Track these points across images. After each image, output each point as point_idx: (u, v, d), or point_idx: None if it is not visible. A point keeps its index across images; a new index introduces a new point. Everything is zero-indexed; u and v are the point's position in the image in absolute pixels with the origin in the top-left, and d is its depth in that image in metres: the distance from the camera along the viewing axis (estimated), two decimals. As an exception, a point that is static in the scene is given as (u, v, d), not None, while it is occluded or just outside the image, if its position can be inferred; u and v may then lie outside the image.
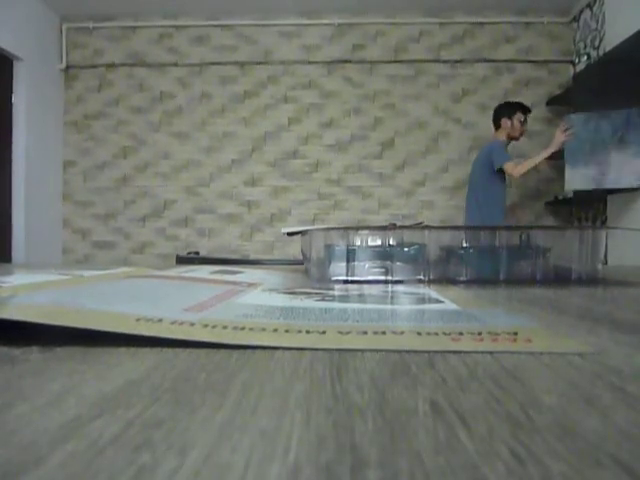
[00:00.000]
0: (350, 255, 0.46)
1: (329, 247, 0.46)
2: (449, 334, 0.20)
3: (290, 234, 0.60)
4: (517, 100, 2.48)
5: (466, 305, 0.29)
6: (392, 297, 0.33)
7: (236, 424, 0.11)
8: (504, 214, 2.33)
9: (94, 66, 3.05)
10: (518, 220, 2.81)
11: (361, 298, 0.32)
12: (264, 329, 0.21)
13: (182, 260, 1.32)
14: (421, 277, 0.46)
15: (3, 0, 2.53)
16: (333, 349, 0.18)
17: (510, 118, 2.31)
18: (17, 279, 0.38)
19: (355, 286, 0.41)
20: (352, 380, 0.14)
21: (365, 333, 0.20)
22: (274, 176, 2.99)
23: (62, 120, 3.05)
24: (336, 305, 0.28)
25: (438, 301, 0.31)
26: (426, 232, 0.46)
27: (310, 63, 3.00)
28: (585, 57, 2.75)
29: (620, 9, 2.41)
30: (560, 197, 2.69)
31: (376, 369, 0.15)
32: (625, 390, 0.13)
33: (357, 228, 0.46)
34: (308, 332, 0.20)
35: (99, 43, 3.04)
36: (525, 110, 2.33)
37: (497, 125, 2.36)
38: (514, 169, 2.21)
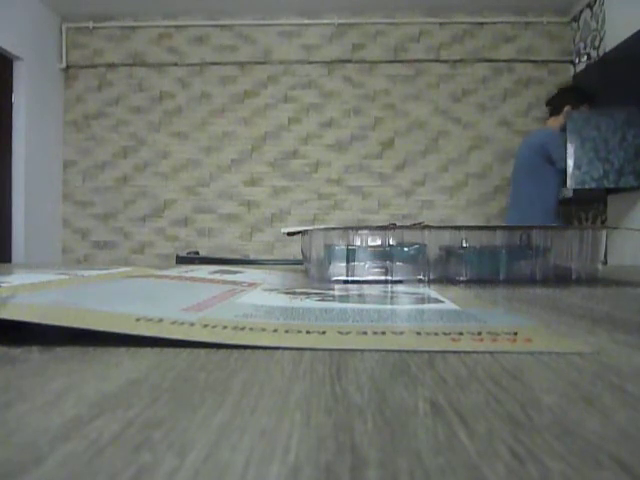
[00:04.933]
0: (350, 255, 0.46)
1: (329, 247, 0.46)
2: (449, 334, 0.20)
3: (290, 234, 0.60)
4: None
5: (466, 305, 0.29)
6: (392, 297, 0.33)
7: (236, 424, 0.11)
8: (558, 206, 2.19)
9: (94, 66, 3.05)
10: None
11: (361, 298, 0.32)
12: (264, 329, 0.21)
13: (182, 260, 1.32)
14: (421, 277, 0.46)
15: (3, 0, 2.53)
16: (333, 349, 0.18)
17: (574, 108, 2.13)
18: (17, 279, 0.38)
19: (355, 286, 0.41)
20: (352, 380, 0.14)
21: (365, 333, 0.20)
22: (274, 176, 2.99)
23: (62, 120, 3.06)
24: (336, 305, 0.28)
25: (438, 301, 0.31)
26: (426, 232, 0.46)
27: (310, 63, 3.00)
28: (585, 57, 2.75)
29: (620, 9, 2.41)
30: (560, 197, 2.69)
31: (376, 369, 0.15)
32: (625, 390, 0.13)
33: (357, 228, 0.46)
34: (308, 332, 0.20)
35: (99, 43, 3.04)
36: (592, 104, 2.16)
37: (557, 110, 2.17)
38: None
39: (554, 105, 2.24)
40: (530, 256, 0.47)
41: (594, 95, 2.24)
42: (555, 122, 2.21)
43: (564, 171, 2.10)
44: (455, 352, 0.18)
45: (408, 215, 2.96)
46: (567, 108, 2.16)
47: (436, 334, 0.20)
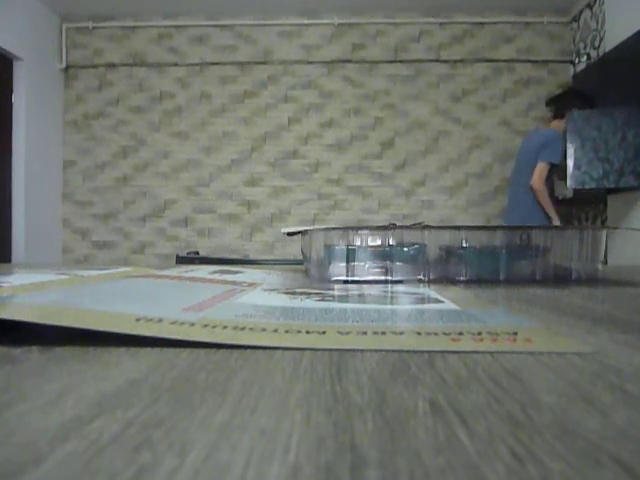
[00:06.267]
0: (350, 255, 0.46)
1: (329, 247, 0.46)
2: (449, 334, 0.20)
3: (290, 234, 0.60)
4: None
5: (466, 305, 0.29)
6: (392, 297, 0.33)
7: (236, 424, 0.11)
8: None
9: (94, 66, 3.05)
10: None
11: (361, 298, 0.32)
12: (264, 329, 0.21)
13: (182, 260, 1.32)
14: (421, 277, 0.46)
15: (3, 0, 2.53)
16: (333, 349, 0.18)
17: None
18: (17, 279, 0.38)
19: (355, 286, 0.41)
20: (352, 380, 0.14)
21: (365, 333, 0.20)
22: (274, 176, 2.99)
23: (62, 120, 3.06)
24: (336, 305, 0.28)
25: (438, 301, 0.31)
26: (426, 232, 0.46)
27: (310, 63, 3.00)
28: (585, 57, 2.75)
29: (620, 9, 2.41)
30: (560, 197, 2.69)
31: (376, 369, 0.15)
32: (625, 390, 0.13)
33: (357, 228, 0.46)
34: (308, 332, 0.20)
35: (99, 43, 3.04)
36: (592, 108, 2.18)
37: (561, 114, 2.18)
38: (539, 182, 2.04)
39: (558, 107, 2.24)
40: (530, 256, 0.47)
41: (595, 100, 2.25)
42: (559, 124, 2.21)
43: (551, 167, 2.10)
44: (455, 352, 0.18)
45: (408, 215, 2.96)
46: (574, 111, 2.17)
47: (436, 334, 0.20)
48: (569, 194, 2.57)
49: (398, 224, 2.52)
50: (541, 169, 2.08)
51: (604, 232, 0.48)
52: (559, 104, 2.26)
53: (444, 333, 0.20)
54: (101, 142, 3.05)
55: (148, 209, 3.02)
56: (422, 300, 0.32)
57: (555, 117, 2.25)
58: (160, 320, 0.21)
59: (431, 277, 0.46)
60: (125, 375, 0.15)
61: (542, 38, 2.95)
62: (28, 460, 0.09)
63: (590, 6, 2.70)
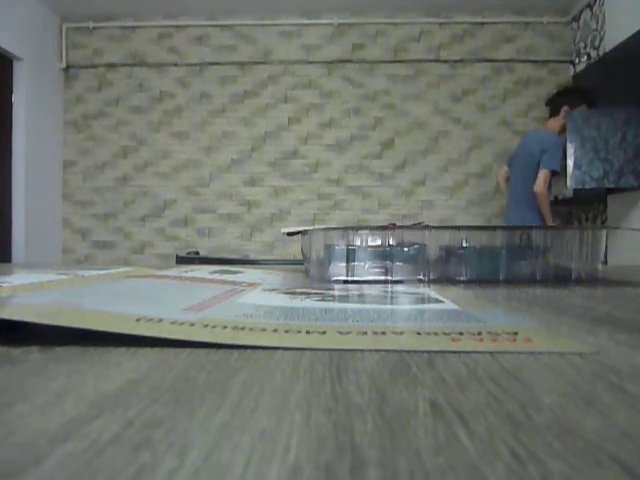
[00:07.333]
0: (350, 255, 0.46)
1: (329, 247, 0.46)
2: (449, 334, 0.20)
3: (290, 234, 0.60)
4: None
5: (466, 305, 0.29)
6: (392, 297, 0.33)
7: (236, 424, 0.11)
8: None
9: (94, 66, 3.05)
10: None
11: (361, 298, 0.32)
12: (264, 329, 0.21)
13: (182, 260, 1.32)
14: (421, 277, 0.46)
15: (3, 0, 2.53)
16: (333, 349, 0.18)
17: (572, 108, 2.14)
18: (17, 279, 0.38)
19: (355, 286, 0.41)
20: (352, 380, 0.14)
21: (365, 333, 0.20)
22: (274, 176, 2.99)
23: (62, 120, 3.06)
24: (336, 305, 0.28)
25: (438, 301, 0.31)
26: (426, 232, 0.46)
27: (310, 63, 3.00)
28: (585, 57, 2.75)
29: (620, 9, 2.41)
30: (560, 197, 2.69)
31: (376, 369, 0.15)
32: (625, 390, 0.13)
33: (357, 228, 0.46)
34: (308, 332, 0.20)
35: (99, 43, 3.04)
36: (591, 105, 2.17)
37: (554, 112, 2.18)
38: (543, 188, 2.04)
39: (553, 105, 2.24)
40: (530, 256, 0.47)
41: (592, 95, 2.24)
42: (555, 123, 2.20)
43: (552, 172, 2.10)
44: (455, 352, 0.18)
45: (408, 215, 2.96)
46: (565, 108, 2.16)
47: (436, 334, 0.20)
48: (569, 194, 2.57)
49: (398, 224, 2.51)
50: (545, 176, 2.08)
51: (604, 232, 0.48)
52: (554, 102, 2.26)
53: (444, 333, 0.20)
54: (101, 142, 3.04)
55: (148, 209, 3.02)
56: (422, 300, 0.32)
57: (551, 116, 2.24)
58: (160, 320, 0.21)
59: (431, 277, 0.46)
60: (125, 375, 0.15)
61: (542, 38, 2.95)
62: (28, 460, 0.09)
63: (590, 6, 2.70)
